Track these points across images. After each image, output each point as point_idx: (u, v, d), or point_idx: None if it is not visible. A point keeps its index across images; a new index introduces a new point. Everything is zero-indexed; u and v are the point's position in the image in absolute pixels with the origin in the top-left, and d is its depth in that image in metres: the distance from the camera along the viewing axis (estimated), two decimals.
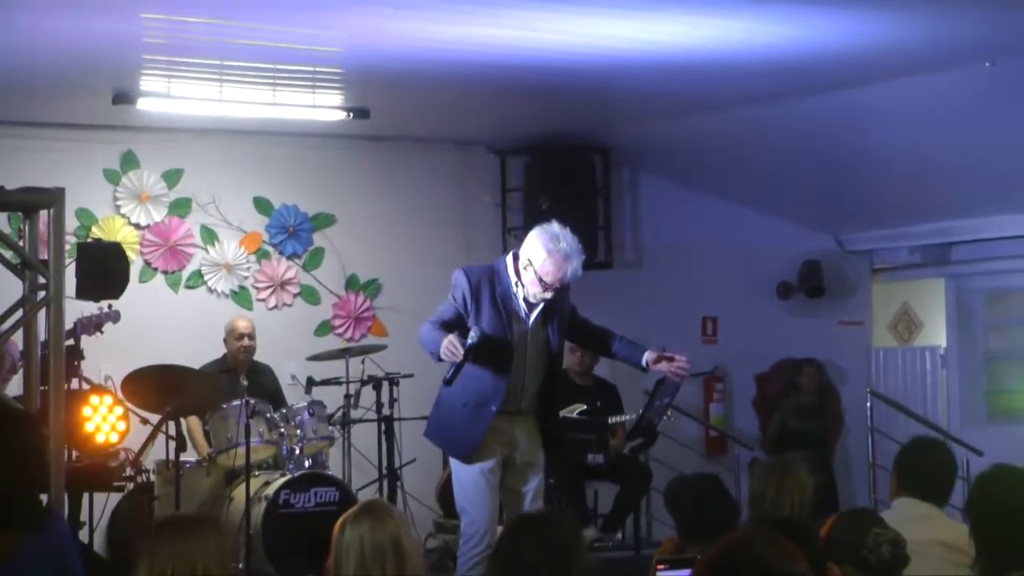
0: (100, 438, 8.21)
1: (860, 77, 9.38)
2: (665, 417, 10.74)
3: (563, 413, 10.38)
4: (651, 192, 12.52)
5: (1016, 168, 10.57)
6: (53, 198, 6.45)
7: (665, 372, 7.41)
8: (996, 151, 10.38)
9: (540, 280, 7.06)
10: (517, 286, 7.16)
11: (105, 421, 8.22)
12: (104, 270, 7.71)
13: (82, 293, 7.64)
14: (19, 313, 6.54)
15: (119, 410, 8.32)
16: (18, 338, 7.04)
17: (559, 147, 11.73)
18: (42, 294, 6.49)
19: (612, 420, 10.48)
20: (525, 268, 7.10)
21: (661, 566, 3.55)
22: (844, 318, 13.15)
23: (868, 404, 12.30)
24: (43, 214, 6.56)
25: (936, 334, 13.05)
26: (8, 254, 6.93)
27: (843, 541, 4.51)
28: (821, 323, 12.99)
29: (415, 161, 11.58)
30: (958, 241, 12.38)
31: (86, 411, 8.14)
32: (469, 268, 7.30)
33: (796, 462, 6.04)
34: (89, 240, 9.79)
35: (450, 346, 6.92)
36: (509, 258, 7.22)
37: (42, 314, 6.57)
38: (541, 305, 7.19)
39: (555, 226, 7.12)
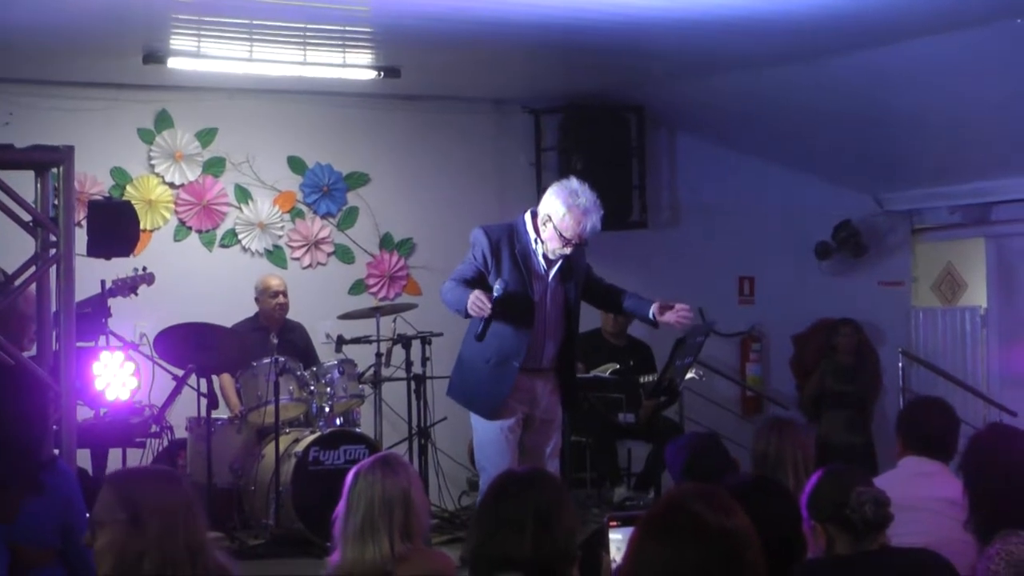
0: (110, 395, 8.27)
1: (897, 34, 9.29)
2: (698, 376, 10.80)
3: (595, 372, 10.45)
4: (687, 151, 12.44)
5: None
6: (62, 156, 6.49)
7: (672, 322, 7.42)
8: None
9: (560, 235, 7.11)
10: (536, 243, 7.21)
11: (115, 378, 8.28)
12: (114, 228, 7.74)
13: (92, 250, 7.68)
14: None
15: (131, 367, 8.38)
16: None
17: (594, 106, 11.66)
18: (53, 251, 6.55)
19: (643, 380, 10.48)
20: (544, 224, 7.15)
21: (613, 523, 3.54)
22: (883, 279, 13.07)
23: (900, 364, 12.24)
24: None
25: (978, 295, 12.94)
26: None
27: (825, 499, 4.42)
28: (860, 283, 12.90)
29: (449, 120, 11.56)
30: (998, 201, 12.26)
31: (96, 368, 8.20)
32: (488, 227, 7.35)
33: (793, 422, 6.05)
34: (100, 198, 9.78)
35: (477, 301, 6.99)
36: (527, 215, 7.27)
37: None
38: (559, 262, 7.23)
39: (574, 182, 7.21)
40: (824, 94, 10.75)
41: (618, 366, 10.62)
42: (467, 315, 7.15)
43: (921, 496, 4.86)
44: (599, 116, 11.70)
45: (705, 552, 2.82)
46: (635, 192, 11.83)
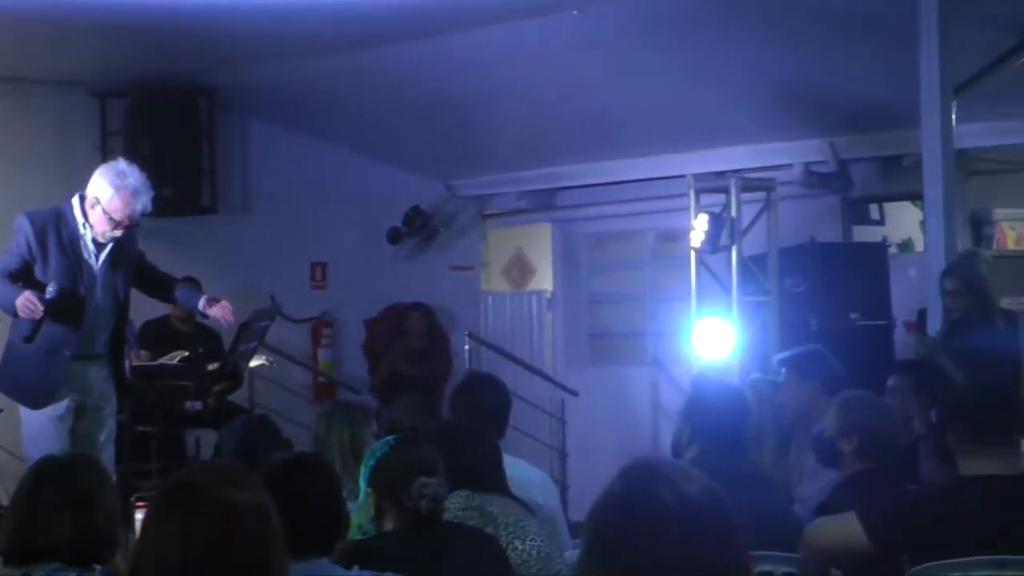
0: None
1: (463, 22, 9.42)
2: (268, 363, 10.74)
3: (163, 360, 10.25)
4: (260, 137, 12.36)
5: (615, 114, 10.83)
6: None
7: (218, 316, 7.47)
8: (595, 97, 10.60)
9: (109, 218, 7.00)
10: (85, 227, 7.05)
11: None
12: None
13: None
14: None
15: None
16: None
17: (162, 89, 11.41)
18: None
19: (211, 367, 10.33)
20: (93, 207, 7.02)
21: (140, 503, 3.48)
22: (455, 263, 13.28)
23: (467, 347, 12.48)
24: None
25: (546, 279, 13.31)
26: None
27: (387, 476, 4.40)
28: (431, 268, 13.08)
29: (6, 103, 11.06)
30: (563, 187, 12.62)
31: None
32: (33, 213, 7.16)
33: (346, 405, 6.15)
34: None
35: (28, 303, 6.79)
36: (75, 199, 7.12)
37: None
38: (110, 247, 7.08)
39: (121, 163, 7.16)
40: (395, 81, 10.82)
41: (187, 353, 10.44)
42: (15, 315, 6.93)
43: None
44: (168, 99, 11.47)
45: (215, 527, 2.78)
46: (205, 177, 11.66)
